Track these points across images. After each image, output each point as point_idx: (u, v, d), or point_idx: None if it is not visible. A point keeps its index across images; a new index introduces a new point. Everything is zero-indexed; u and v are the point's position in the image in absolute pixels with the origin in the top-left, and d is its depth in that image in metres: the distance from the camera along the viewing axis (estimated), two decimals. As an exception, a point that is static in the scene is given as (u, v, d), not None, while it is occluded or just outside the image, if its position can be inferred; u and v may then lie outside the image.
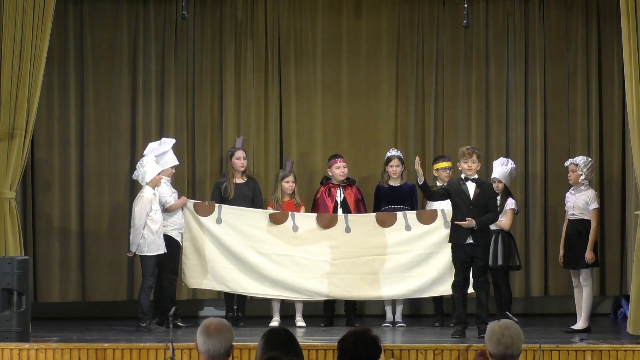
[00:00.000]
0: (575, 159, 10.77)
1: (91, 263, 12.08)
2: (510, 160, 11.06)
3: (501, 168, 10.90)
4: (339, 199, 11.29)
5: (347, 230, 11.01)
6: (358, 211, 11.26)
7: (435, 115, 12.38)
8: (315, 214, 11.13)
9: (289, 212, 11.07)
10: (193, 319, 11.51)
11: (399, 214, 11.03)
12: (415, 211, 11.12)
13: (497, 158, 11.55)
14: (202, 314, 12.25)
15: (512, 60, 12.35)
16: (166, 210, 10.87)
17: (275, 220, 11.04)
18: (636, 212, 10.48)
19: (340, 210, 11.23)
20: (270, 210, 11.12)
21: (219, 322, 5.16)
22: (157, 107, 12.23)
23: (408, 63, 12.41)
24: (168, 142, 11.06)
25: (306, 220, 11.07)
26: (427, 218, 11.01)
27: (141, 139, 12.05)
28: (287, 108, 12.41)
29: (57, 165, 12.10)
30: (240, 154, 11.29)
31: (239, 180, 11.30)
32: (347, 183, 11.36)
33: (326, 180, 11.41)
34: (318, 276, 10.92)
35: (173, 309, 9.50)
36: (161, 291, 10.95)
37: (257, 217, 11.05)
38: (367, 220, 11.04)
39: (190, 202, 11.16)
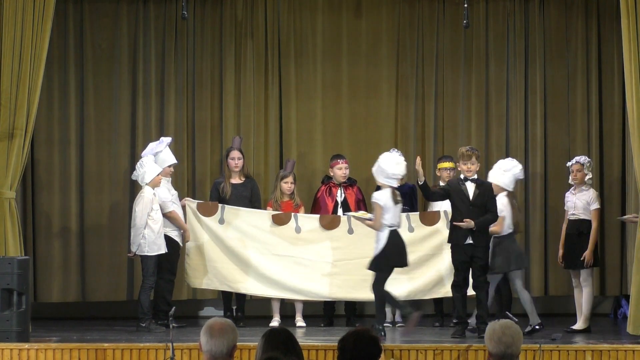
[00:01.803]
0: (579, 158, 10.75)
1: (91, 263, 12.08)
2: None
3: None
4: (339, 199, 11.29)
5: (350, 231, 11.01)
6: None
7: (435, 115, 12.38)
8: (318, 215, 11.12)
9: (292, 213, 11.07)
10: (193, 319, 11.51)
11: (402, 215, 11.01)
12: (417, 212, 11.12)
13: (497, 158, 11.49)
14: (202, 314, 12.26)
15: (512, 60, 12.36)
16: (164, 215, 10.83)
17: (278, 221, 11.03)
18: None
19: (340, 210, 11.23)
20: (273, 211, 11.11)
21: (223, 323, 5.16)
22: (157, 107, 12.24)
23: (408, 63, 12.42)
24: (164, 141, 11.05)
25: (309, 221, 11.06)
26: (430, 219, 11.01)
27: (141, 139, 12.05)
28: (287, 108, 12.41)
29: (57, 165, 12.10)
30: (234, 154, 11.27)
31: (236, 180, 11.29)
32: (349, 183, 11.37)
33: (327, 179, 11.41)
34: (320, 277, 10.92)
35: (173, 309, 9.50)
36: (157, 291, 10.94)
37: (259, 218, 11.05)
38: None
39: (194, 203, 11.16)
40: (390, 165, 10.15)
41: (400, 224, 10.22)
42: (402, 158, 10.39)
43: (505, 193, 10.36)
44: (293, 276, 10.99)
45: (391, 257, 10.07)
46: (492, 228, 10.21)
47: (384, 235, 10.05)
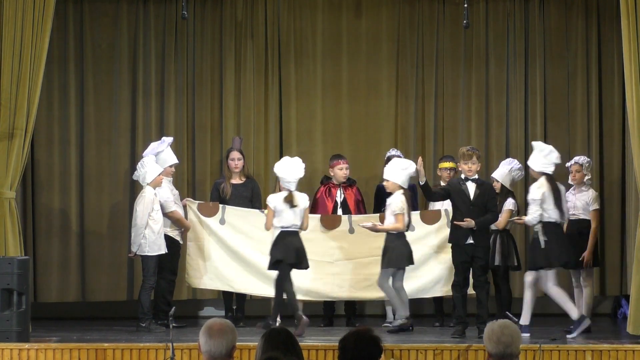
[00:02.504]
0: (578, 159, 10.76)
1: (91, 263, 12.09)
2: (515, 161, 11.03)
3: (501, 167, 10.91)
4: (339, 199, 11.29)
5: (351, 231, 11.01)
6: (358, 212, 11.25)
7: (435, 115, 12.39)
8: (319, 215, 11.11)
9: (293, 213, 11.07)
10: (193, 319, 11.52)
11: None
12: (418, 211, 11.12)
13: (497, 158, 11.56)
14: (202, 314, 12.26)
15: (512, 60, 12.36)
16: (165, 215, 10.83)
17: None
18: None
19: (340, 211, 11.22)
20: (274, 212, 11.10)
21: (222, 323, 5.15)
22: (157, 107, 12.24)
23: (408, 63, 12.42)
24: (166, 141, 11.05)
25: (310, 221, 11.04)
26: (431, 218, 11.01)
27: (141, 139, 12.06)
28: (287, 108, 12.41)
29: (57, 165, 12.11)
30: (234, 155, 11.26)
31: (237, 180, 11.28)
32: (348, 184, 11.36)
33: (326, 179, 11.41)
34: (322, 277, 10.92)
35: (173, 309, 9.50)
36: (158, 291, 10.94)
37: (260, 218, 11.03)
38: (371, 221, 11.02)
39: (194, 203, 11.16)
40: (281, 171, 10.48)
41: (300, 227, 10.41)
42: (297, 162, 10.53)
43: (402, 191, 10.46)
44: (294, 276, 10.98)
45: (274, 254, 10.36)
46: (395, 225, 10.36)
47: (274, 236, 10.35)
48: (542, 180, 10.20)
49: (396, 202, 10.43)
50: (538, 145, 10.42)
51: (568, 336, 10.05)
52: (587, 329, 10.17)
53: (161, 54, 12.26)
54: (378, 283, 10.52)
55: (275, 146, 12.35)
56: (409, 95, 12.43)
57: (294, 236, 10.37)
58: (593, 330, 10.50)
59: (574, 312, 10.15)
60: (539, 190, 10.16)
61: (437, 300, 11.29)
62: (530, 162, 10.40)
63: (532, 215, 10.16)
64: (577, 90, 12.40)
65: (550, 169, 10.27)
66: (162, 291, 10.95)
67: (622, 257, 12.15)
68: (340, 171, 11.27)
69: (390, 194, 10.57)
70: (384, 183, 10.66)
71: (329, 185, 11.34)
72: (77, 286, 12.07)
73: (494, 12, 12.42)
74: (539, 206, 10.11)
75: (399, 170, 10.43)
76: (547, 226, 10.14)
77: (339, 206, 11.27)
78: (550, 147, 10.43)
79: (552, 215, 10.13)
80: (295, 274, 10.93)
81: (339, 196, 11.31)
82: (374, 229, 10.56)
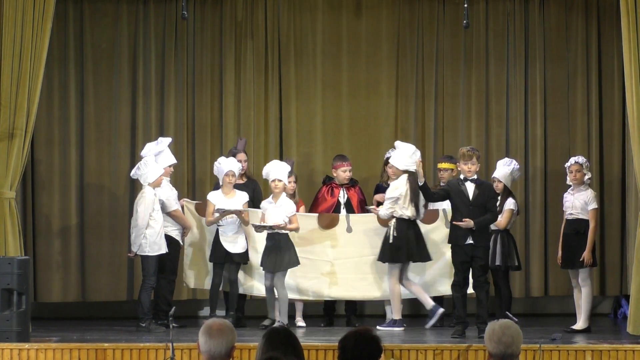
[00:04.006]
0: (577, 159, 10.75)
1: (91, 263, 12.08)
2: (514, 161, 11.04)
3: (502, 168, 10.90)
4: (342, 200, 11.28)
5: (349, 230, 11.01)
6: (361, 211, 11.24)
7: (435, 115, 12.38)
8: (316, 214, 11.12)
9: (291, 213, 11.08)
10: (193, 319, 11.51)
11: None
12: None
13: (497, 158, 11.56)
14: (202, 314, 12.25)
15: (512, 60, 12.36)
16: (167, 213, 10.84)
17: (277, 220, 11.03)
18: None
19: (343, 211, 11.21)
20: (272, 211, 11.10)
21: (221, 323, 5.15)
22: (157, 107, 12.24)
23: (408, 63, 12.42)
24: (164, 141, 11.05)
25: (308, 220, 11.05)
26: (429, 218, 10.99)
27: (141, 139, 12.05)
28: (287, 108, 12.41)
29: (57, 165, 12.10)
30: (240, 157, 11.25)
31: (238, 181, 11.27)
32: (350, 184, 11.35)
33: (329, 179, 11.40)
34: (319, 276, 10.92)
35: (173, 309, 9.50)
36: (158, 291, 10.94)
37: (258, 218, 11.03)
38: (368, 220, 11.02)
39: (192, 204, 11.17)
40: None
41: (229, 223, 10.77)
42: (221, 161, 10.85)
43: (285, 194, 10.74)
44: (292, 275, 10.98)
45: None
46: (296, 226, 10.64)
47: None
48: (404, 179, 10.47)
49: (289, 204, 10.65)
50: (402, 145, 10.69)
51: (426, 326, 10.46)
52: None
53: (161, 54, 12.26)
54: (275, 284, 10.61)
55: (275, 146, 12.35)
56: (409, 95, 12.43)
57: (222, 233, 10.80)
58: (593, 331, 10.51)
59: (428, 304, 10.57)
60: (397, 189, 10.49)
61: (437, 301, 11.27)
62: (393, 161, 10.68)
63: (384, 211, 10.56)
64: (577, 90, 12.40)
65: (413, 168, 10.48)
66: (163, 291, 10.95)
67: (622, 257, 12.14)
68: (344, 173, 11.26)
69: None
70: (278, 184, 10.73)
71: (332, 185, 11.33)
72: (77, 286, 12.07)
73: (494, 12, 12.42)
74: (394, 203, 10.46)
75: (285, 170, 10.64)
76: (399, 223, 10.51)
77: (342, 206, 11.26)
78: (414, 147, 10.69)
79: (405, 212, 10.49)
80: (292, 274, 10.94)
81: (342, 196, 11.30)
82: (283, 228, 10.60)
